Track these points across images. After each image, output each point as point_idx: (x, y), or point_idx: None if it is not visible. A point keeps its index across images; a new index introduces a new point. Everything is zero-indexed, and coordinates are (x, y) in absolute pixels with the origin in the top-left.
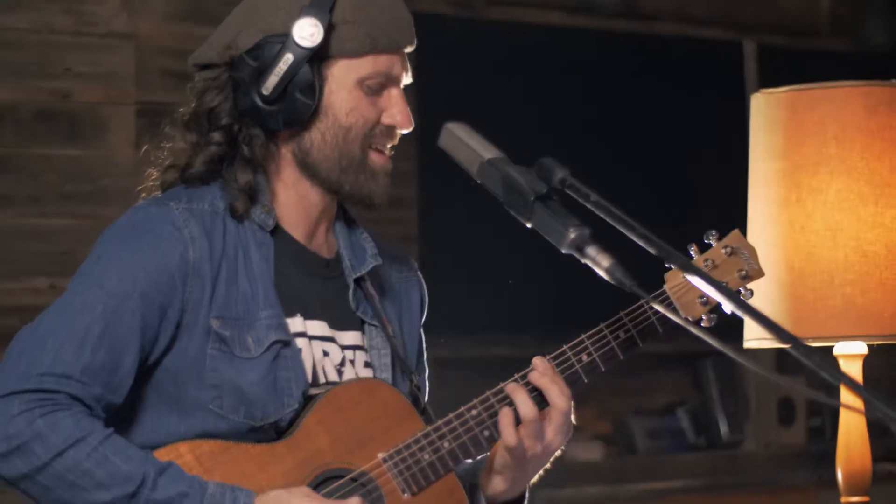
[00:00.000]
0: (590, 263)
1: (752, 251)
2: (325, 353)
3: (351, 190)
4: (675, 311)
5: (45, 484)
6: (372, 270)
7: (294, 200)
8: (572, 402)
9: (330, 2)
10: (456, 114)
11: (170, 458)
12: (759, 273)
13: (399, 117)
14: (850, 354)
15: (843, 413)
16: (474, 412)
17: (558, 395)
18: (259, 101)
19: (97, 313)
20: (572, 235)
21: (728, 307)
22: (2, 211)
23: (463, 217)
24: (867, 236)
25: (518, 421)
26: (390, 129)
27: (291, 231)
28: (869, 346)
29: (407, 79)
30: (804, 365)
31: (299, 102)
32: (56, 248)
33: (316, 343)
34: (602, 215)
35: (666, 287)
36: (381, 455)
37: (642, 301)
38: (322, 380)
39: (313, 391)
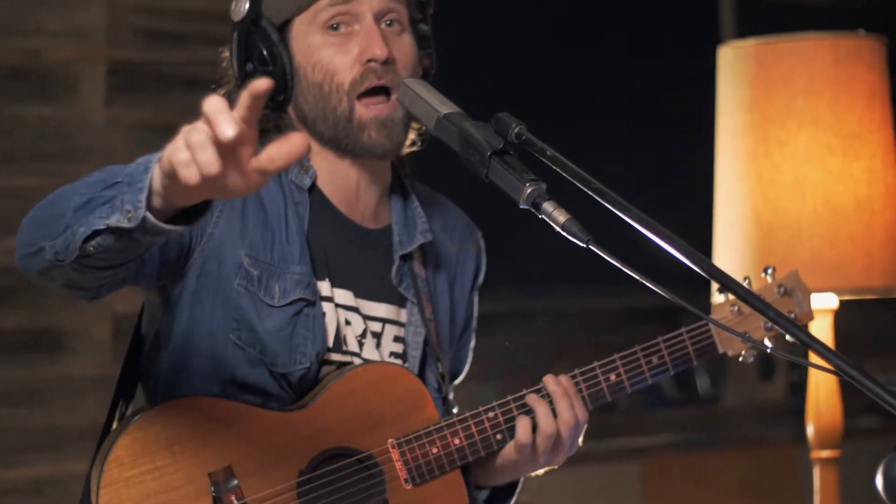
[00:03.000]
0: (546, 219)
1: (807, 293)
2: (348, 322)
3: (348, 145)
4: (713, 345)
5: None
6: (427, 245)
7: (327, 165)
8: (584, 425)
9: None
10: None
11: (189, 409)
12: (809, 317)
13: (363, 51)
14: (821, 309)
15: (811, 369)
16: (491, 414)
17: (567, 408)
18: (239, 85)
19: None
20: (529, 190)
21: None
22: None
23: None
24: (835, 188)
25: (534, 430)
26: (370, 65)
27: (331, 196)
28: (840, 301)
29: (383, 4)
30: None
31: (259, 73)
32: (29, 207)
33: (341, 311)
34: (558, 170)
35: (712, 317)
36: (390, 441)
37: (679, 332)
38: (345, 347)
39: (334, 356)
